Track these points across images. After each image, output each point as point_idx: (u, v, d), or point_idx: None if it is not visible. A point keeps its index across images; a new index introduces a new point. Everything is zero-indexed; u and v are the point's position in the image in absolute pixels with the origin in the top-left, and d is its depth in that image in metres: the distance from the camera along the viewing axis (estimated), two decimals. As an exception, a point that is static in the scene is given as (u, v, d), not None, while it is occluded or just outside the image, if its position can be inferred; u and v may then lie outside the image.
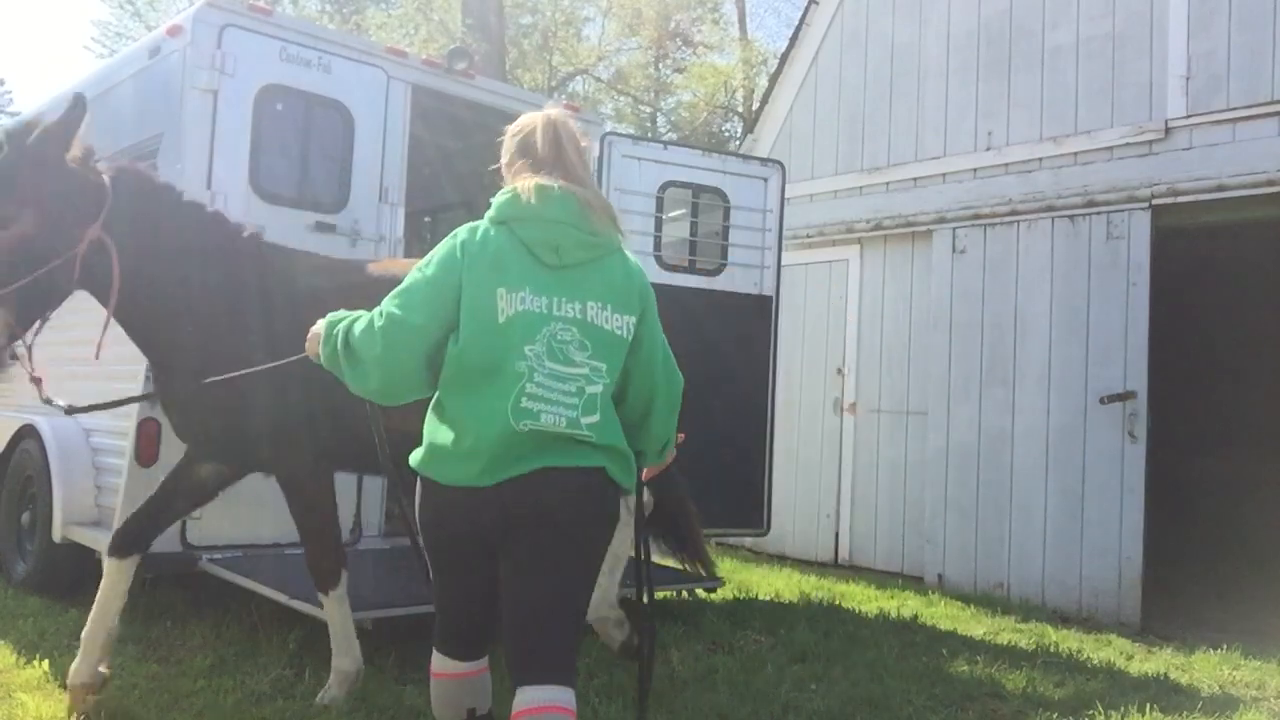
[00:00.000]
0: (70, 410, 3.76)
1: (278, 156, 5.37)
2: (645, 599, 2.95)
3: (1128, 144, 6.98)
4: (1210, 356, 9.57)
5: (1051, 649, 5.56)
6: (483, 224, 2.58)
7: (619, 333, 2.57)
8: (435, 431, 2.56)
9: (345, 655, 4.06)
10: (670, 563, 6.61)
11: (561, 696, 2.41)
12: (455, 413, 2.51)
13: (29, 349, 3.67)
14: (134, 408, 4.94)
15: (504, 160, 2.72)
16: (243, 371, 3.51)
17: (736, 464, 6.57)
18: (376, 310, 2.55)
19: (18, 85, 48.94)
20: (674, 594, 6.22)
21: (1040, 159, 7.45)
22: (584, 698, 4.14)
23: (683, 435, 2.93)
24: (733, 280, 6.57)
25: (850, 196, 8.67)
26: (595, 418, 2.50)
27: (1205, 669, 5.25)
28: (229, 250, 4.02)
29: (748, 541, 8.73)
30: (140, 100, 5.71)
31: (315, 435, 4.00)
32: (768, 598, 6.67)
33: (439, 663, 2.73)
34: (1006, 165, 7.65)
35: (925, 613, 6.38)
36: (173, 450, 4.96)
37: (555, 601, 2.49)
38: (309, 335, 2.80)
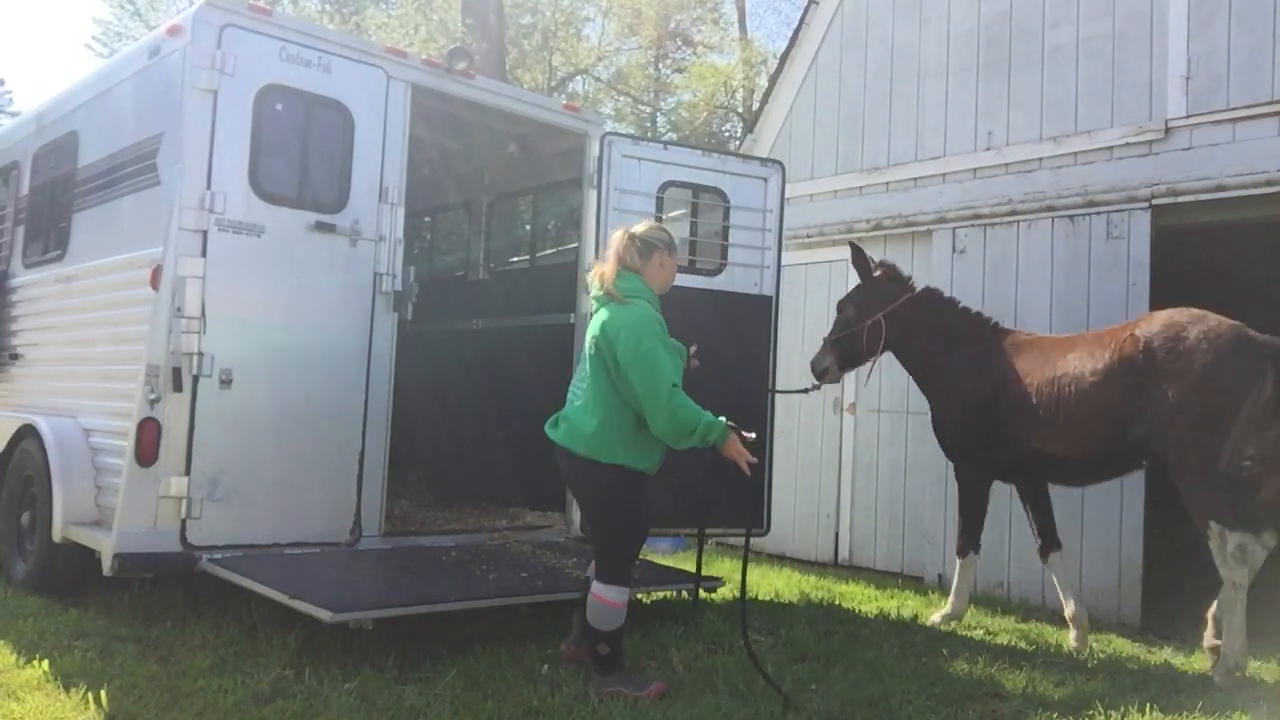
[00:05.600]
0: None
1: (278, 156, 5.36)
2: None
3: (1128, 144, 6.98)
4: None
5: (1051, 649, 5.56)
6: None
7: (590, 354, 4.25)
8: None
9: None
10: (669, 562, 6.61)
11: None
12: None
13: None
14: (134, 408, 4.95)
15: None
16: None
17: (736, 464, 6.55)
18: None
19: (18, 85, 48.98)
20: (674, 594, 6.22)
21: (1040, 159, 7.44)
22: (584, 698, 4.15)
23: (752, 434, 4.18)
24: (733, 280, 6.57)
25: (850, 196, 8.67)
26: (577, 403, 4.33)
27: (1205, 669, 5.24)
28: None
29: (748, 541, 8.72)
30: (140, 100, 5.71)
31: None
32: (768, 598, 6.67)
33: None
34: (1006, 165, 7.65)
35: (925, 613, 6.38)
36: (172, 450, 4.98)
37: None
38: None
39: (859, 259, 6.24)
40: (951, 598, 6.20)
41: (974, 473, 6.09)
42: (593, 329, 4.30)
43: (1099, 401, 5.36)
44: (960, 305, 6.32)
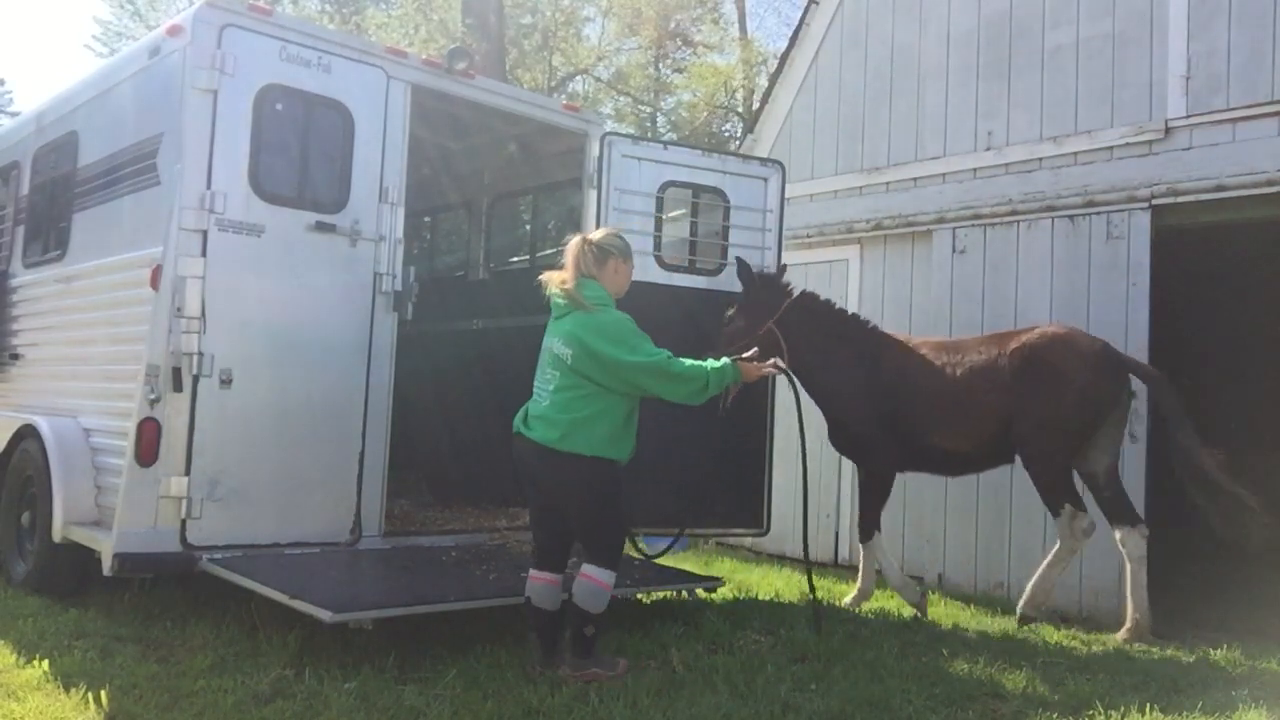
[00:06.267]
0: None
1: (278, 156, 5.36)
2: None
3: (1128, 144, 6.98)
4: (1210, 357, 9.55)
5: (1051, 649, 5.56)
6: None
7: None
8: None
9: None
10: (670, 562, 6.61)
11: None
12: None
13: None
14: (134, 408, 4.96)
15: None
16: None
17: (736, 464, 6.57)
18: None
19: (18, 85, 48.99)
20: (674, 594, 6.22)
21: (1040, 159, 7.44)
22: (584, 698, 4.15)
23: (754, 349, 4.93)
24: (733, 280, 6.56)
25: (850, 196, 8.67)
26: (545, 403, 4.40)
27: (1205, 669, 5.24)
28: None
29: (748, 541, 8.73)
30: (140, 100, 5.71)
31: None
32: (768, 598, 6.67)
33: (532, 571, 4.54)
34: (1006, 165, 7.65)
35: (929, 613, 6.38)
36: (172, 450, 4.98)
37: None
38: None
39: (744, 271, 6.31)
40: (859, 579, 6.56)
41: (880, 467, 6.44)
42: (563, 337, 4.38)
43: (994, 403, 6.01)
44: (837, 307, 6.57)
